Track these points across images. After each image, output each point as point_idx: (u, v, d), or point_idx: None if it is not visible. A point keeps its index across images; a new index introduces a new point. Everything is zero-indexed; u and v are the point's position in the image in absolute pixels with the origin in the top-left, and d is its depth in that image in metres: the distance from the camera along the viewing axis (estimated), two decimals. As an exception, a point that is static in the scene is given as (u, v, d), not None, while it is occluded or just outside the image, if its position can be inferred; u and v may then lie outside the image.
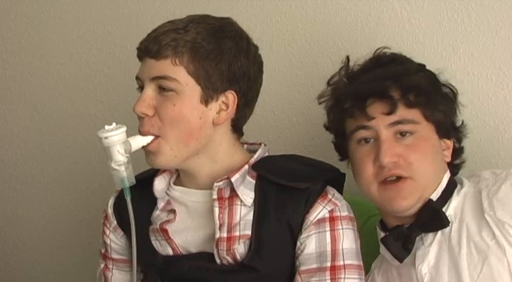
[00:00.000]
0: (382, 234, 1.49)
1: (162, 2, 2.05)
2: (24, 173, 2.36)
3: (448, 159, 1.47)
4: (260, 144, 1.54)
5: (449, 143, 1.48)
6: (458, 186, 1.46)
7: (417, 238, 1.42)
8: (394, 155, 1.40)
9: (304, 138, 1.91)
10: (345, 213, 1.45)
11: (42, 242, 2.37)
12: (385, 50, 1.53)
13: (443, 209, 1.41)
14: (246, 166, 1.47)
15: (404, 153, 1.40)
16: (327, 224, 1.43)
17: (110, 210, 1.60)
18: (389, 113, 1.41)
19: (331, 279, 1.40)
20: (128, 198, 1.41)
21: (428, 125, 1.43)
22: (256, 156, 1.49)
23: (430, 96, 1.42)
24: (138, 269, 1.53)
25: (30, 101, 2.32)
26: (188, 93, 1.41)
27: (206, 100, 1.42)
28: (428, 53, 1.69)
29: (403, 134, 1.41)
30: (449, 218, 1.40)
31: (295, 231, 1.43)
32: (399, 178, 1.41)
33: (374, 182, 1.44)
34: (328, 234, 1.42)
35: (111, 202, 1.60)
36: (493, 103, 1.64)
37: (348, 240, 1.43)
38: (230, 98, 1.44)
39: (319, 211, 1.43)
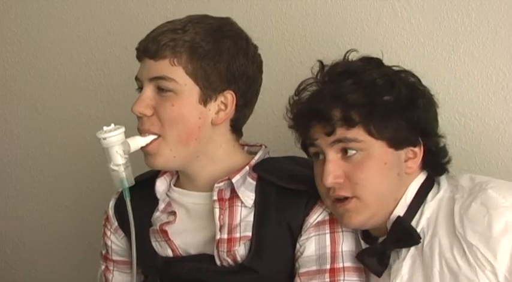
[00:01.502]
0: (363, 245, 1.47)
1: (162, 2, 2.05)
2: (24, 173, 2.36)
3: (412, 170, 1.40)
4: (261, 145, 1.54)
5: (417, 150, 1.40)
6: (435, 189, 1.42)
7: (393, 251, 1.40)
8: (337, 177, 1.37)
9: (304, 138, 1.91)
10: (344, 215, 1.45)
11: (42, 242, 2.37)
12: (352, 54, 1.47)
13: (415, 221, 1.38)
14: (247, 167, 1.47)
15: (350, 173, 1.36)
16: (327, 226, 1.43)
17: (111, 212, 1.60)
18: (329, 134, 1.37)
19: (330, 281, 1.40)
20: (127, 199, 1.41)
21: (377, 142, 1.36)
22: (256, 157, 1.49)
23: (374, 113, 1.36)
24: (139, 271, 1.53)
25: (30, 101, 2.32)
26: (187, 94, 1.41)
27: (205, 100, 1.42)
28: (428, 53, 1.69)
29: (347, 152, 1.37)
30: (421, 231, 1.37)
31: (295, 233, 1.43)
32: (345, 198, 1.38)
33: (327, 198, 1.41)
34: (328, 236, 1.42)
35: (112, 203, 1.60)
36: (493, 103, 1.63)
37: (347, 242, 1.43)
38: (229, 98, 1.44)
39: (319, 213, 1.43)
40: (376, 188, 1.37)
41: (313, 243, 1.42)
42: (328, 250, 1.42)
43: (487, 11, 1.63)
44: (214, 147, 1.46)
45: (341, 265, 1.41)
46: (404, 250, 1.39)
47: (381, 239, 1.43)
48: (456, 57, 1.67)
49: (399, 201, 1.40)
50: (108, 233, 1.61)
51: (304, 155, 1.61)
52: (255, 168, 1.47)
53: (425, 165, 1.43)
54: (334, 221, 1.43)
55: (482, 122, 1.64)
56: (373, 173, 1.37)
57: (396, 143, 1.38)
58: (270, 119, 1.93)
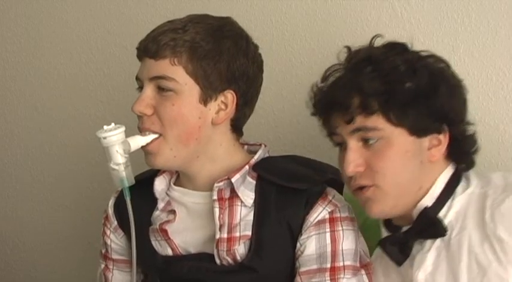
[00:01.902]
0: (384, 233, 1.47)
1: (162, 2, 2.05)
2: (24, 173, 2.36)
3: (435, 158, 1.39)
4: (260, 145, 1.54)
5: (442, 138, 1.38)
6: (464, 183, 1.40)
7: (417, 242, 1.40)
8: (358, 165, 1.37)
9: (304, 138, 1.91)
10: (345, 214, 1.45)
11: (42, 242, 2.37)
12: (378, 39, 1.46)
13: (443, 214, 1.37)
14: (247, 167, 1.47)
15: (371, 162, 1.36)
16: (327, 225, 1.43)
17: (111, 211, 1.60)
18: (348, 122, 1.37)
19: (330, 280, 1.40)
20: (127, 199, 1.41)
21: (397, 129, 1.35)
22: (256, 156, 1.49)
23: (393, 101, 1.34)
24: (138, 270, 1.53)
25: (30, 101, 2.32)
26: (187, 93, 1.41)
27: (205, 100, 1.42)
28: (428, 53, 1.69)
29: (368, 140, 1.36)
30: (449, 224, 1.36)
31: (295, 232, 1.43)
32: (365, 186, 1.38)
33: (349, 187, 1.42)
34: (328, 235, 1.42)
35: (111, 202, 1.60)
36: (493, 103, 1.64)
37: (348, 241, 1.43)
38: (229, 97, 1.44)
39: (319, 212, 1.43)
40: (397, 176, 1.36)
41: (313, 242, 1.42)
42: (329, 249, 1.42)
43: (487, 11, 1.63)
44: (214, 146, 1.47)
45: (341, 264, 1.41)
46: (429, 242, 1.38)
47: (404, 228, 1.41)
48: (456, 57, 1.67)
49: (428, 191, 1.38)
50: (108, 232, 1.61)
51: (304, 154, 1.62)
52: (255, 167, 1.47)
53: (451, 154, 1.41)
54: (334, 219, 1.43)
55: (482, 122, 1.64)
56: (393, 162, 1.36)
57: (417, 131, 1.36)
58: (270, 119, 1.94)
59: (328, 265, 1.41)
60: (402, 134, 1.36)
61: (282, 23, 1.90)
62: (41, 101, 2.30)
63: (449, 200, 1.39)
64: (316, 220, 1.43)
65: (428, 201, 1.38)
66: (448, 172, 1.41)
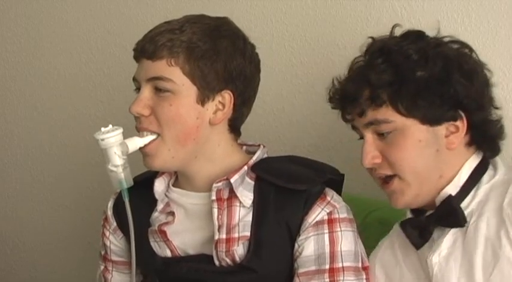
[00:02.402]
0: (408, 215, 1.46)
1: (162, 2, 2.05)
2: (24, 173, 2.37)
3: (454, 145, 1.36)
4: (259, 145, 1.54)
5: (459, 124, 1.36)
6: (490, 172, 1.39)
7: (438, 228, 1.38)
8: (374, 157, 1.38)
9: (304, 138, 1.91)
10: (343, 215, 1.45)
11: (42, 242, 2.37)
12: (397, 27, 1.45)
13: (466, 203, 1.36)
14: (245, 167, 1.46)
15: (387, 153, 1.37)
16: (326, 226, 1.42)
17: (110, 212, 1.60)
18: (360, 115, 1.39)
19: (329, 281, 1.40)
20: (126, 200, 1.41)
21: (408, 120, 1.35)
22: (255, 157, 1.49)
23: (402, 91, 1.34)
24: (138, 271, 1.53)
25: (30, 101, 2.32)
26: (184, 94, 1.41)
27: (202, 100, 1.42)
28: (428, 53, 1.69)
29: (382, 133, 1.37)
30: (470, 213, 1.35)
31: (293, 233, 1.43)
32: (388, 176, 1.39)
33: (374, 178, 1.42)
34: (326, 236, 1.42)
35: (110, 204, 1.60)
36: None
37: (346, 242, 1.43)
38: (226, 97, 1.44)
39: (318, 213, 1.43)
40: (413, 166, 1.36)
41: (312, 243, 1.42)
42: (327, 250, 1.41)
43: (487, 11, 1.63)
44: (212, 147, 1.46)
45: (340, 265, 1.41)
46: (448, 228, 1.37)
47: (428, 213, 1.41)
48: (456, 57, 1.66)
49: (451, 179, 1.38)
50: (107, 234, 1.60)
51: (304, 154, 1.61)
52: (254, 168, 1.47)
53: (473, 141, 1.40)
54: (333, 220, 1.43)
55: (483, 122, 1.64)
56: (407, 152, 1.36)
57: (430, 120, 1.36)
58: (270, 119, 1.94)
59: (327, 266, 1.41)
60: (414, 123, 1.36)
61: (282, 23, 1.90)
62: (41, 101, 2.30)
63: (474, 189, 1.38)
64: (315, 221, 1.42)
65: (452, 189, 1.37)
66: (473, 160, 1.40)
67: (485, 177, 1.39)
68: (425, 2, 1.70)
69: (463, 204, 1.37)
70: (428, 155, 1.37)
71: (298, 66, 1.89)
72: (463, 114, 1.37)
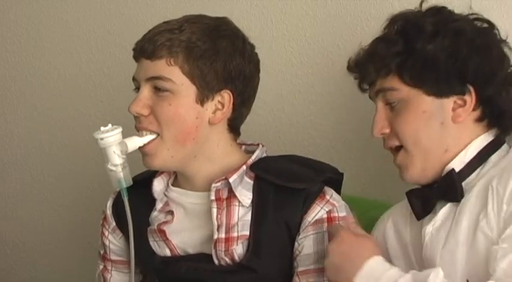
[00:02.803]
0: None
1: (162, 2, 2.05)
2: (24, 173, 2.36)
3: (462, 118, 1.36)
4: (258, 144, 1.54)
5: (467, 98, 1.36)
6: (502, 151, 1.38)
7: (440, 201, 1.39)
8: (382, 127, 1.41)
9: (304, 138, 1.91)
10: (343, 214, 1.45)
11: (42, 242, 2.37)
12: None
13: (470, 180, 1.36)
14: (244, 167, 1.46)
15: (393, 123, 1.40)
16: (325, 224, 1.42)
17: (109, 212, 1.60)
18: (371, 83, 1.43)
19: (329, 281, 1.40)
20: (125, 199, 1.41)
21: (413, 90, 1.37)
22: (254, 156, 1.49)
23: (409, 61, 1.37)
24: (137, 270, 1.53)
25: (30, 101, 2.32)
26: (184, 93, 1.41)
27: (202, 100, 1.42)
28: (428, 53, 1.69)
29: (391, 104, 1.40)
30: (470, 190, 1.34)
31: (293, 231, 1.43)
32: (397, 147, 1.40)
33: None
34: (326, 234, 1.42)
35: (109, 203, 1.60)
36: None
37: (345, 240, 1.43)
38: (226, 97, 1.44)
39: (317, 212, 1.43)
40: (415, 136, 1.38)
41: (311, 242, 1.42)
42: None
43: (487, 11, 1.63)
44: (211, 146, 1.47)
45: (339, 263, 1.41)
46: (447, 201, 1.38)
47: (434, 186, 1.41)
48: (456, 57, 1.66)
49: (455, 155, 1.38)
50: (106, 233, 1.61)
51: (304, 154, 1.61)
52: (252, 167, 1.47)
53: (483, 117, 1.39)
54: (332, 219, 1.43)
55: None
56: (410, 122, 1.38)
57: (436, 92, 1.37)
58: (270, 119, 1.94)
59: (326, 265, 1.41)
60: (419, 94, 1.38)
61: (282, 23, 1.90)
62: (41, 101, 2.30)
63: (480, 168, 1.37)
64: (314, 220, 1.43)
65: (456, 164, 1.37)
66: (484, 138, 1.40)
67: (494, 156, 1.38)
68: (425, 2, 1.70)
69: (466, 181, 1.36)
70: (432, 127, 1.38)
71: (298, 66, 1.89)
72: (471, 89, 1.37)
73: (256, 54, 1.50)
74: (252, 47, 1.49)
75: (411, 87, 1.38)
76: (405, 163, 1.40)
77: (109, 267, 1.62)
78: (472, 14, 1.44)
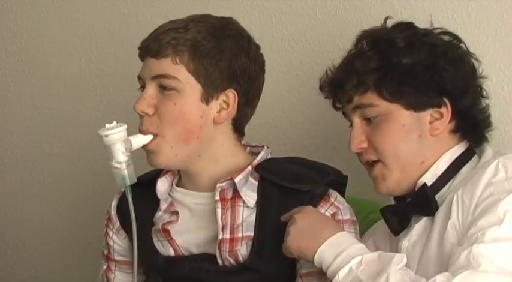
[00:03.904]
0: (392, 201, 1.48)
1: (162, 2, 2.05)
2: (24, 173, 2.36)
3: (439, 131, 1.39)
4: (263, 146, 1.54)
5: (444, 111, 1.39)
6: (473, 163, 1.40)
7: (415, 215, 1.40)
8: (360, 142, 1.41)
9: (304, 138, 1.91)
10: (347, 217, 1.45)
11: (42, 242, 2.36)
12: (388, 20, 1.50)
13: (442, 193, 1.37)
14: (249, 167, 1.47)
15: (371, 137, 1.40)
16: None
17: (113, 212, 1.60)
18: (348, 101, 1.43)
19: (332, 281, 1.41)
20: (129, 197, 1.41)
21: (392, 105, 1.39)
22: (259, 157, 1.49)
23: (387, 77, 1.38)
24: (140, 271, 1.53)
25: (30, 101, 2.32)
26: (189, 92, 1.42)
27: (207, 99, 1.43)
28: (428, 53, 1.69)
29: (368, 118, 1.41)
30: (442, 202, 1.36)
31: (297, 233, 1.43)
32: (374, 162, 1.41)
33: (363, 164, 1.45)
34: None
35: (114, 203, 1.60)
36: (493, 103, 1.63)
37: (349, 243, 1.43)
38: (231, 96, 1.44)
39: (321, 214, 1.43)
40: (395, 150, 1.39)
41: (315, 244, 1.42)
42: (330, 251, 1.41)
43: (487, 11, 1.63)
44: (216, 146, 1.47)
45: (344, 265, 1.41)
46: (422, 216, 1.39)
47: (408, 200, 1.42)
48: (456, 57, 1.66)
49: (429, 167, 1.39)
50: (110, 233, 1.61)
51: (305, 155, 1.62)
52: (257, 168, 1.47)
53: (458, 129, 1.42)
54: (336, 221, 1.43)
55: (482, 122, 1.64)
56: (390, 136, 1.39)
57: (415, 105, 1.38)
58: (270, 119, 1.94)
59: (330, 267, 1.41)
60: (398, 109, 1.39)
61: (282, 23, 1.90)
62: (41, 101, 2.30)
63: (451, 180, 1.39)
64: (318, 222, 1.43)
65: (428, 178, 1.39)
66: (456, 150, 1.42)
67: (465, 168, 1.40)
68: (425, 2, 1.70)
69: (439, 194, 1.38)
70: (411, 140, 1.39)
71: (298, 66, 1.89)
72: (447, 101, 1.39)
73: (261, 54, 1.50)
74: (257, 47, 1.50)
75: (390, 102, 1.39)
76: (382, 175, 1.41)
77: (112, 268, 1.62)
78: (436, 28, 1.47)
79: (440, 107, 1.39)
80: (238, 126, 1.49)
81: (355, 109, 1.42)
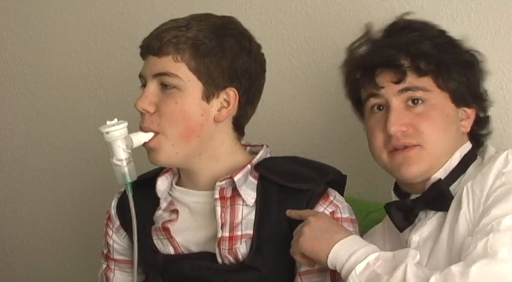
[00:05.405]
0: (393, 198, 1.47)
1: (162, 2, 2.05)
2: (24, 173, 2.36)
3: (466, 130, 1.43)
4: (262, 145, 1.54)
5: (470, 112, 1.44)
6: (479, 159, 1.43)
7: (422, 211, 1.41)
8: (402, 125, 1.39)
9: (304, 138, 1.91)
10: (346, 215, 1.45)
11: (42, 242, 2.37)
12: (406, 16, 1.50)
13: (452, 189, 1.38)
14: (249, 166, 1.47)
15: (415, 122, 1.38)
16: None
17: (113, 211, 1.60)
18: (398, 81, 1.39)
19: (331, 280, 1.41)
20: (130, 194, 1.41)
21: (442, 93, 1.40)
22: (258, 156, 1.50)
23: (442, 64, 1.39)
24: (140, 270, 1.53)
25: (30, 101, 2.32)
26: (190, 90, 1.42)
27: (208, 97, 1.43)
28: (428, 53, 1.69)
29: (414, 101, 1.39)
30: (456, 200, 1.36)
31: (296, 232, 1.43)
32: (408, 146, 1.39)
33: (384, 150, 1.42)
34: (328, 235, 1.42)
35: (114, 203, 1.61)
36: (493, 103, 1.63)
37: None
38: (231, 95, 1.45)
39: (321, 212, 1.43)
40: (440, 137, 1.39)
41: (314, 242, 1.42)
42: (329, 249, 1.42)
43: (487, 11, 1.63)
44: (216, 144, 1.47)
45: (342, 264, 1.41)
46: (433, 212, 1.39)
47: (413, 197, 1.42)
48: (456, 57, 1.67)
49: (444, 162, 1.40)
50: (110, 232, 1.61)
51: (304, 154, 1.62)
52: (257, 167, 1.47)
53: (473, 131, 1.45)
54: (335, 220, 1.43)
55: (482, 122, 1.64)
56: (437, 123, 1.39)
57: (457, 98, 1.41)
58: (270, 119, 1.94)
59: (329, 265, 1.41)
60: (446, 98, 1.41)
61: (281, 23, 1.90)
62: (41, 101, 2.30)
63: (461, 176, 1.40)
64: (318, 220, 1.43)
65: (442, 173, 1.40)
66: (464, 149, 1.43)
67: (471, 167, 1.41)
68: (425, 2, 1.70)
69: (450, 189, 1.38)
70: (452, 131, 1.41)
71: (298, 66, 1.89)
72: (473, 104, 1.43)
73: (262, 54, 1.51)
74: (259, 47, 1.50)
75: (441, 90, 1.40)
76: (418, 157, 1.38)
77: (112, 267, 1.62)
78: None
79: (469, 107, 1.43)
80: (239, 125, 1.49)
81: (403, 91, 1.39)
